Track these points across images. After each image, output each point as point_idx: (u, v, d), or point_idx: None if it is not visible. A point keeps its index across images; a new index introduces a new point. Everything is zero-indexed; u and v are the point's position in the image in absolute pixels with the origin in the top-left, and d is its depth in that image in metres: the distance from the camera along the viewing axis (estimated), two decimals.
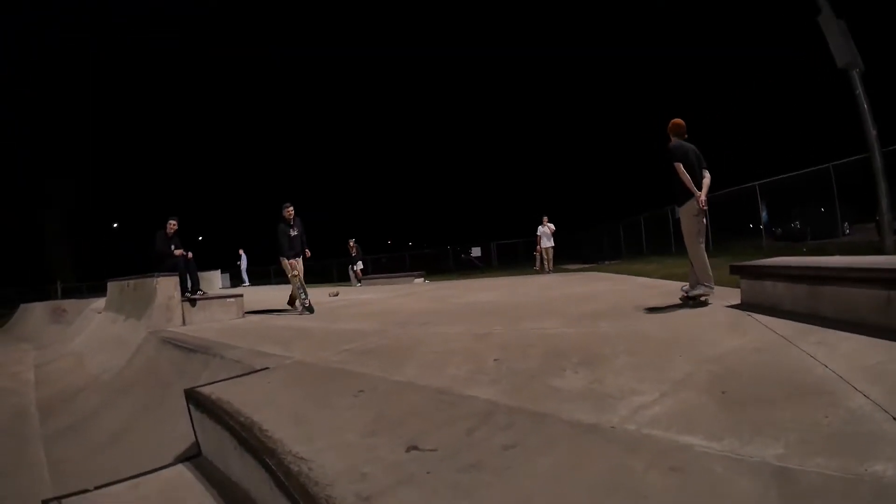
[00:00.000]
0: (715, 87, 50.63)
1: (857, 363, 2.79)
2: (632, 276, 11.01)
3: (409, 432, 2.36)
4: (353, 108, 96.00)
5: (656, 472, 1.81)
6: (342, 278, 27.15)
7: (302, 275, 8.98)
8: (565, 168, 68.92)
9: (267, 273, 33.94)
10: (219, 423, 2.91)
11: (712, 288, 5.34)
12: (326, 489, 1.79)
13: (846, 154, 12.38)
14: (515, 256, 30.89)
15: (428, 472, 1.93)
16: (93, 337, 10.60)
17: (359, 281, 19.30)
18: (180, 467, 3.07)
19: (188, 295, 8.62)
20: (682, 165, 5.28)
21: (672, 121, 5.66)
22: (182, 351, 5.79)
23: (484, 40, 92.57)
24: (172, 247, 8.99)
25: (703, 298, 5.35)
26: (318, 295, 13.58)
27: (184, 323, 8.25)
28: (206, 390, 3.40)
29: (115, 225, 47.99)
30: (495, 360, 3.71)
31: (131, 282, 9.90)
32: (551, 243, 16.57)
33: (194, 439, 3.37)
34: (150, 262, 9.07)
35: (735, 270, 5.43)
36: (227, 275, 26.65)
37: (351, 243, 19.36)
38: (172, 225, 9.15)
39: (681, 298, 5.55)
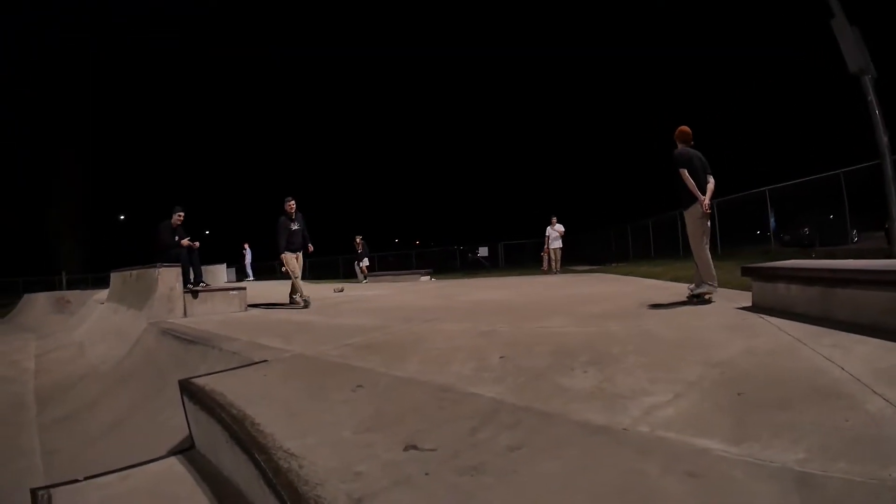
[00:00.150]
0: (727, 90, 50.24)
1: (874, 366, 2.69)
2: (640, 277, 10.89)
3: (409, 430, 2.24)
4: (362, 108, 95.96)
5: (672, 478, 1.68)
6: (348, 274, 27.12)
7: (299, 272, 8.92)
8: (574, 170, 68.47)
9: (271, 268, 33.95)
10: (211, 416, 2.81)
11: (715, 287, 5.58)
12: (316, 488, 1.67)
13: (855, 161, 12.32)
14: (523, 257, 30.69)
15: (426, 474, 1.80)
16: (94, 327, 10.53)
17: (364, 277, 19.23)
18: (172, 460, 2.97)
19: (190, 286, 8.52)
20: (686, 171, 5.54)
21: (679, 128, 5.89)
22: (181, 342, 5.71)
23: (490, 40, 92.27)
24: (177, 238, 8.89)
25: (707, 297, 5.59)
26: (323, 291, 13.56)
27: (185, 314, 8.16)
28: (200, 381, 3.31)
29: (122, 217, 48.19)
30: (501, 357, 3.59)
31: (133, 272, 9.83)
32: (560, 244, 16.44)
33: (188, 432, 3.27)
34: (153, 253, 8.97)
35: (747, 272, 5.44)
36: (233, 269, 26.66)
37: (357, 240, 19.31)
38: (179, 216, 9.06)
39: (687, 297, 5.76)
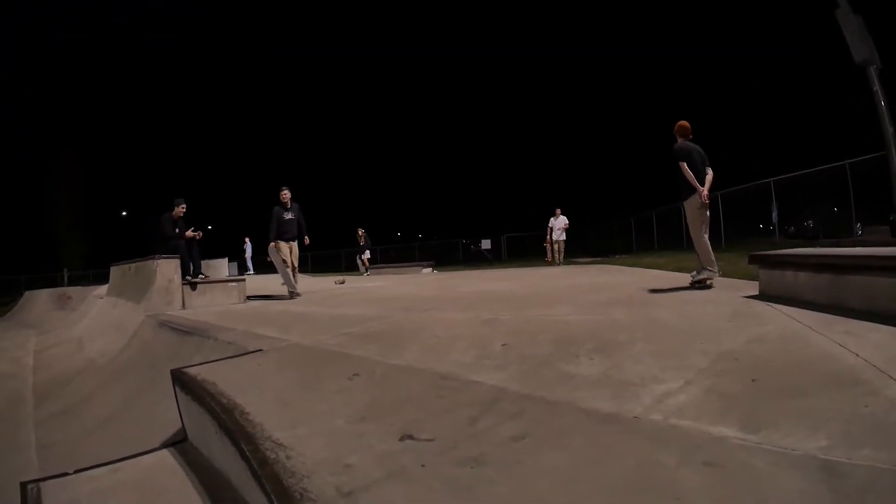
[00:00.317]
0: (731, 84, 49.90)
1: (890, 353, 2.56)
2: (644, 268, 10.76)
3: (405, 420, 2.12)
4: (363, 103, 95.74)
5: (690, 469, 1.56)
6: (350, 267, 27.05)
7: (290, 259, 8.88)
8: (577, 163, 68.22)
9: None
10: (202, 406, 2.71)
11: (716, 272, 5.88)
12: (303, 481, 1.55)
13: (859, 155, 12.41)
14: (526, 249, 30.57)
15: (422, 465, 1.68)
16: (94, 322, 10.53)
17: (366, 270, 19.13)
18: (164, 452, 2.89)
19: (188, 278, 8.43)
20: (686, 164, 5.85)
21: (678, 123, 6.19)
22: (177, 333, 5.63)
23: (493, 37, 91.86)
24: (177, 230, 8.81)
25: (708, 282, 5.86)
26: (324, 283, 13.48)
27: (183, 307, 8.07)
28: (192, 371, 3.21)
29: (124, 213, 48.14)
30: (503, 345, 3.46)
31: (132, 265, 9.76)
32: (563, 236, 16.30)
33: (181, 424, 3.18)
34: (153, 245, 8.88)
35: (754, 260, 5.36)
36: (235, 263, 26.61)
37: (360, 232, 19.21)
38: (181, 208, 8.96)
39: (689, 283, 6.03)
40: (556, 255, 16.29)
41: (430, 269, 18.28)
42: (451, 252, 34.38)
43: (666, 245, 20.87)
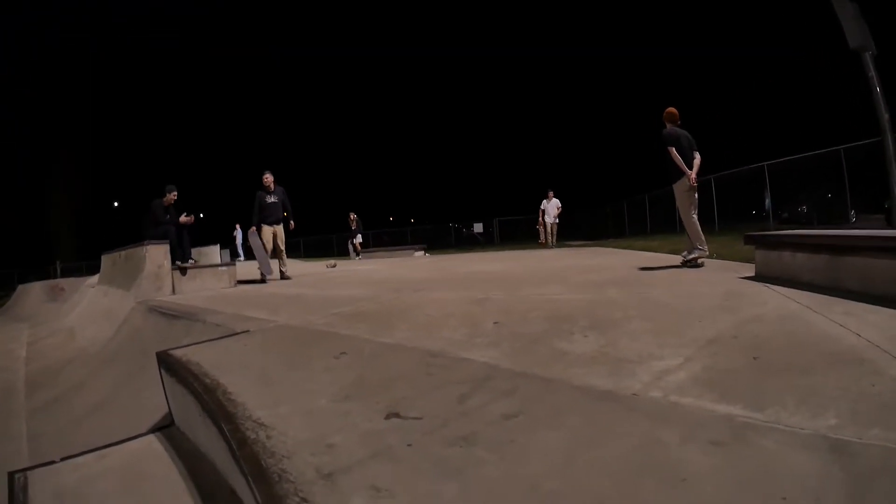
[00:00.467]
0: (728, 78, 49.61)
1: (891, 333, 2.50)
2: (637, 251, 10.73)
3: (392, 398, 2.04)
4: (356, 90, 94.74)
5: (695, 448, 1.48)
6: (342, 252, 26.93)
7: (273, 243, 8.88)
8: (569, 147, 68.02)
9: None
10: (186, 388, 2.63)
11: (705, 251, 6.11)
12: (282, 462, 1.46)
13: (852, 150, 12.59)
14: (518, 233, 30.47)
15: (409, 445, 1.60)
16: (85, 311, 10.50)
17: (357, 254, 19.03)
18: (150, 437, 2.81)
19: (178, 264, 8.30)
20: (674, 149, 6.09)
21: (666, 109, 6.43)
22: (166, 318, 5.54)
23: (487, 30, 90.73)
24: (168, 217, 8.70)
25: (699, 261, 6.08)
26: (315, 267, 13.38)
27: (174, 292, 7.95)
28: (177, 353, 3.12)
29: (115, 204, 47.65)
30: (495, 323, 3.39)
31: (122, 253, 9.65)
32: (556, 220, 16.23)
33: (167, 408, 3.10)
34: (144, 231, 8.76)
35: (750, 240, 5.29)
36: (227, 251, 26.49)
37: (352, 216, 19.07)
38: (172, 195, 8.84)
39: (680, 263, 6.28)
40: (549, 238, 16.24)
41: (423, 252, 18.18)
42: (443, 236, 34.34)
43: (659, 228, 20.81)
